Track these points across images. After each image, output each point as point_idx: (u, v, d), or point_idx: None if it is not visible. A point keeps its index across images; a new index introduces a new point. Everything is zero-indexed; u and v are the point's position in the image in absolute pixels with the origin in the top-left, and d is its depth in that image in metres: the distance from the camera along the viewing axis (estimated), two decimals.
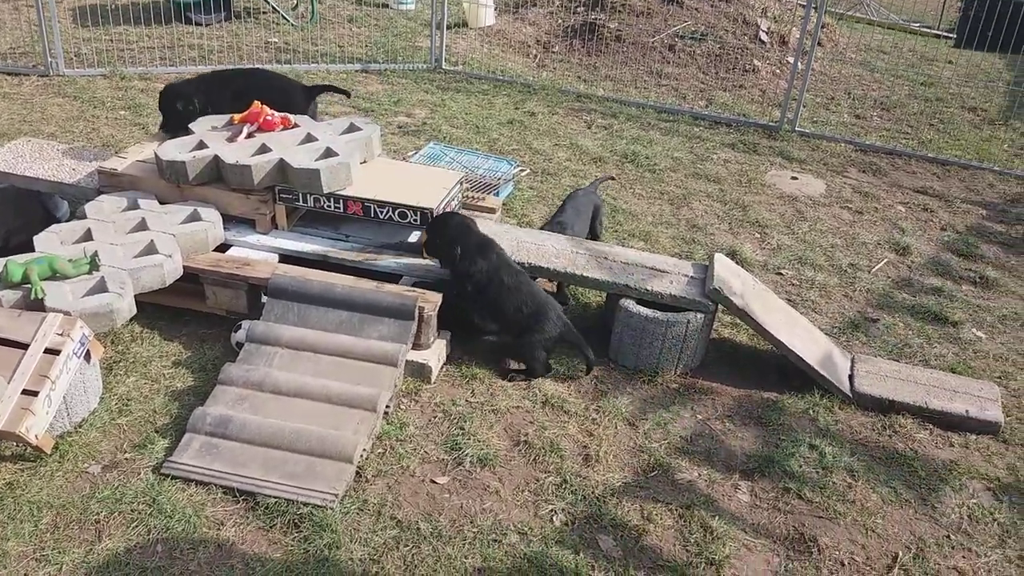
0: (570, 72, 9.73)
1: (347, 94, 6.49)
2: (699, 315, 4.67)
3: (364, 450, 3.91)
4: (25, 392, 3.62)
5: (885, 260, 6.32)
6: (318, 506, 3.62)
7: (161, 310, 4.77)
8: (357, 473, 3.84)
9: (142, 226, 4.61)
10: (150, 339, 4.60)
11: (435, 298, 4.49)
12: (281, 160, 4.70)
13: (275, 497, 3.64)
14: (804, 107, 8.89)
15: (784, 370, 4.84)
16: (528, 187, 6.79)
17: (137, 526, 3.50)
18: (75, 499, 3.59)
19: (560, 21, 10.89)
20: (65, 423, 3.91)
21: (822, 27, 11.36)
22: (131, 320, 4.64)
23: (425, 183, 4.98)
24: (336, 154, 4.77)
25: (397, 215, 4.72)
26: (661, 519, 3.82)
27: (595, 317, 5.21)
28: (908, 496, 4.07)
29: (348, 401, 4.04)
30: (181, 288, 4.70)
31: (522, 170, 6.80)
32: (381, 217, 4.75)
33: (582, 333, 4.66)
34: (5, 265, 4.03)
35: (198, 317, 4.77)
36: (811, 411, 4.59)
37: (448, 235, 4.52)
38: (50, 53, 8.20)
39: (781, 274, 5.99)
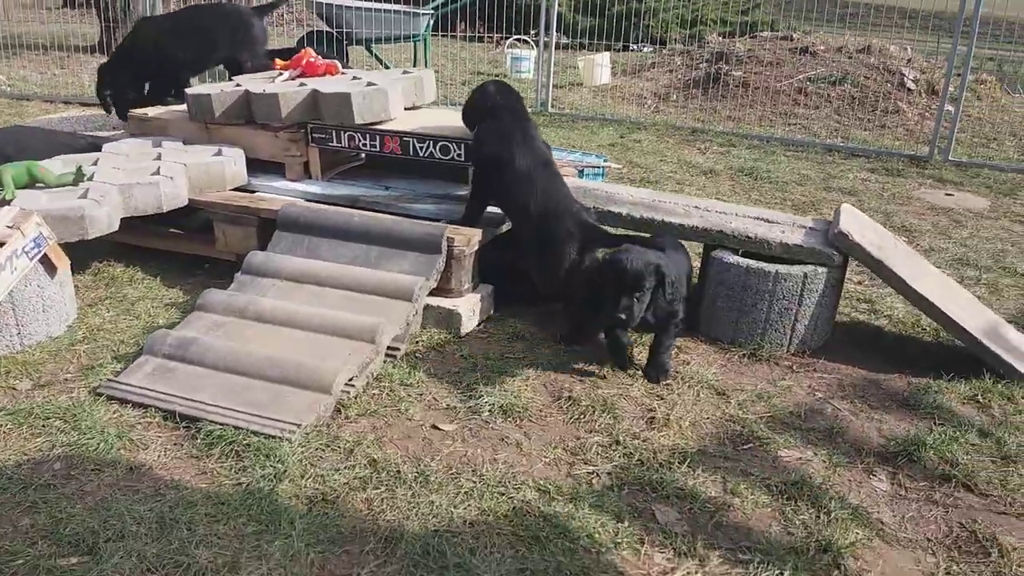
0: (687, 115, 8.95)
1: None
2: (820, 270, 3.55)
3: (352, 386, 2.99)
4: None
5: None
6: (272, 436, 2.71)
7: (172, 260, 4.15)
8: (338, 410, 2.92)
9: (157, 161, 4.07)
10: (148, 283, 3.95)
11: (471, 234, 3.62)
12: (313, 91, 4.10)
13: (221, 424, 2.76)
14: (959, 144, 7.65)
15: (941, 358, 3.59)
16: None
17: (40, 440, 2.70)
18: None
19: (681, 76, 10.24)
20: (14, 342, 3.25)
21: (980, 83, 10.22)
22: (133, 266, 4.07)
23: None
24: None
25: (439, 149, 3.96)
26: (752, 494, 2.64)
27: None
28: None
29: (342, 331, 3.17)
30: (199, 237, 4.12)
31: (612, 164, 5.94)
32: (421, 154, 4.00)
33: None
34: None
35: (211, 270, 4.10)
36: (980, 397, 3.30)
37: (475, 99, 3.82)
38: None
39: None
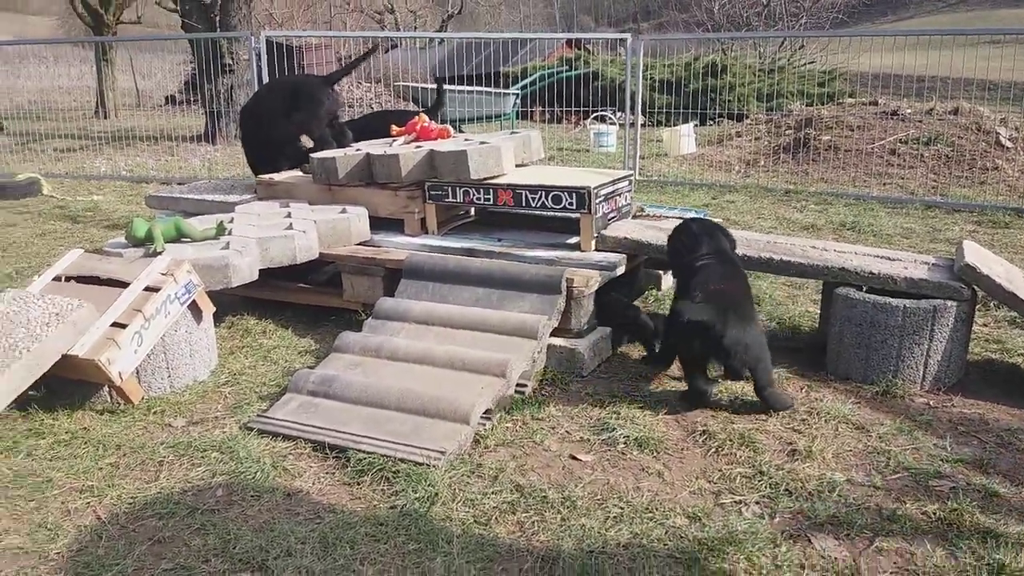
0: (778, 178, 8.96)
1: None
2: (950, 304, 3.48)
3: (488, 419, 3.05)
4: (115, 325, 3.21)
5: None
6: (419, 463, 2.77)
7: (301, 312, 4.34)
8: (476, 440, 2.97)
9: (288, 218, 4.31)
10: (281, 333, 4.13)
11: (589, 276, 3.70)
12: (431, 151, 4.31)
13: (369, 452, 2.84)
14: None
15: None
16: None
17: (202, 469, 2.82)
18: (146, 443, 3.01)
19: (767, 142, 10.31)
20: (164, 384, 3.43)
21: None
22: (265, 319, 4.27)
23: (586, 175, 4.36)
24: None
25: (551, 199, 4.08)
26: (909, 521, 2.55)
27: (806, 338, 4.11)
28: None
29: (473, 366, 3.25)
30: (324, 290, 4.33)
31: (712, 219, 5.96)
32: (534, 205, 4.12)
33: (786, 354, 3.59)
34: (132, 221, 3.82)
35: (338, 320, 4.26)
36: None
37: (678, 240, 3.61)
38: None
39: None
